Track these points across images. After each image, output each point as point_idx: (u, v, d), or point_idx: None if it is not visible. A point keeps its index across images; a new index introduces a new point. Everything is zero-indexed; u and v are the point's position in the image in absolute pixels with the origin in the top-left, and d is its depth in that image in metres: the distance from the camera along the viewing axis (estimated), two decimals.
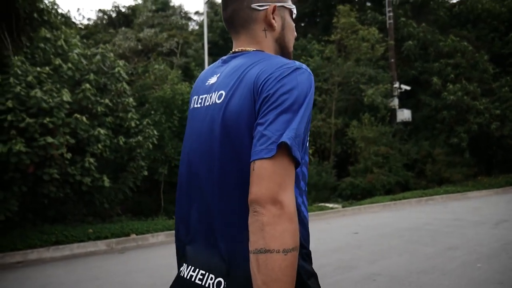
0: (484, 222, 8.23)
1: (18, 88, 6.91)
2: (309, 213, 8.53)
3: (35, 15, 9.43)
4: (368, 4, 21.96)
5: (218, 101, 1.12)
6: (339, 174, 16.13)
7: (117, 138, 8.66)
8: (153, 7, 18.74)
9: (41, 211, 7.77)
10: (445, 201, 13.04)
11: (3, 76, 7.12)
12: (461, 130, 16.45)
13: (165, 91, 10.97)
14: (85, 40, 13.36)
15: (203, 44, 19.58)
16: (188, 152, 1.21)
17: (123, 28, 16.54)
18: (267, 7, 1.22)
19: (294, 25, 1.32)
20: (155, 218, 10.04)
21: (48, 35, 8.76)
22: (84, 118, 7.56)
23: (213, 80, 1.21)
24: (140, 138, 8.94)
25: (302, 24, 24.69)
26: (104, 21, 20.70)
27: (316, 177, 14.72)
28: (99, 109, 8.16)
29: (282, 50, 1.27)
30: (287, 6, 1.27)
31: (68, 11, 21.83)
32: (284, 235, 0.90)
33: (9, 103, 6.73)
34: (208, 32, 19.85)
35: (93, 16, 24.50)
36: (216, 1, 24.64)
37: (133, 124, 9.03)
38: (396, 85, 17.49)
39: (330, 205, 12.29)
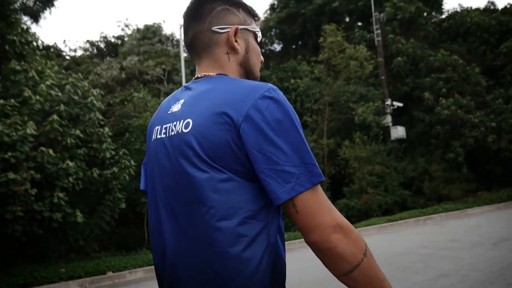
0: (482, 242, 7.71)
1: None
2: (301, 239, 7.98)
3: (7, 47, 9.20)
4: (357, 23, 21.91)
5: (185, 130, 1.04)
6: (334, 196, 15.63)
7: (91, 170, 8.25)
8: (138, 36, 18.62)
9: (6, 252, 7.30)
10: (444, 219, 12.49)
11: None
12: (457, 145, 16.01)
13: (145, 119, 10.63)
14: (66, 71, 13.14)
15: (192, 71, 19.42)
16: (154, 188, 1.13)
17: (107, 58, 16.37)
18: (229, 29, 1.17)
19: (259, 48, 1.26)
20: (140, 252, 9.55)
21: (18, 67, 8.47)
22: (50, 151, 7.17)
23: (176, 108, 1.13)
24: (115, 169, 8.53)
25: (294, 46, 24.65)
26: (92, 52, 20.62)
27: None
28: (69, 140, 7.78)
29: (247, 74, 1.21)
30: (251, 29, 1.22)
31: (55, 43, 21.84)
32: (356, 246, 0.96)
33: None
34: None
35: (81, 47, 24.55)
36: None
37: (108, 155, 8.64)
38: (388, 102, 17.17)
39: None
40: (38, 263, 7.97)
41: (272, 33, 24.50)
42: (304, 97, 17.77)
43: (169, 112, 1.14)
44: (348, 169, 15.34)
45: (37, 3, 23.77)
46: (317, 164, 0.97)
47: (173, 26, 47.70)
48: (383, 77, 17.60)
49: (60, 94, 8.12)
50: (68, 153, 7.95)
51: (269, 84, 1.03)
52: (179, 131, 1.05)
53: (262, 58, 1.28)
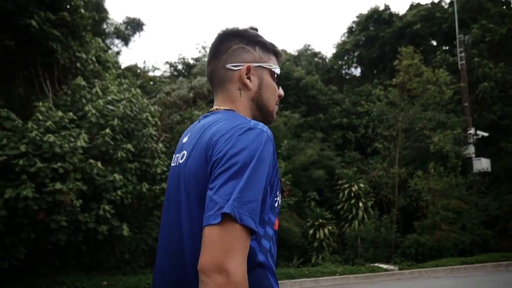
0: None
1: (34, 133, 6.89)
2: (356, 275, 7.34)
3: (78, 64, 9.77)
4: (442, 46, 20.55)
5: (181, 162, 1.20)
6: (405, 230, 14.42)
7: (141, 184, 8.32)
8: None
9: (51, 259, 7.51)
10: None
11: (24, 122, 7.19)
12: None
13: None
14: (140, 90, 13.73)
15: None
16: (164, 213, 1.25)
17: (180, 78, 16.93)
18: (241, 67, 1.27)
19: (275, 84, 1.33)
20: None
21: (83, 83, 8.91)
22: (99, 163, 7.33)
23: (185, 139, 1.27)
24: (164, 185, 8.52)
25: (375, 71, 23.70)
26: (172, 73, 21.54)
27: (374, 233, 13.22)
28: (119, 154, 7.93)
29: (260, 109, 1.29)
30: (266, 66, 1.30)
31: (136, 63, 23.19)
32: None
33: (22, 148, 6.70)
34: None
35: (155, 67, 25.82)
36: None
37: (159, 171, 8.68)
38: (471, 131, 15.63)
39: (385, 267, 10.77)
40: (85, 273, 8.12)
41: (350, 56, 23.88)
42: (377, 122, 16.86)
43: (182, 142, 1.29)
44: (420, 201, 14.08)
45: (128, 27, 25.59)
46: (245, 212, 0.98)
47: None
48: (466, 104, 16.10)
49: (115, 109, 8.34)
50: (119, 167, 8.09)
51: (254, 122, 1.11)
52: (179, 162, 1.21)
53: (281, 92, 1.36)
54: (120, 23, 24.45)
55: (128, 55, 45.78)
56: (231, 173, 1.00)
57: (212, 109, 1.28)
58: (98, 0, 26.38)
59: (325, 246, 13.67)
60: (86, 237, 7.55)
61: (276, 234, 1.20)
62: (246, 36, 1.30)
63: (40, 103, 7.61)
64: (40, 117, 7.34)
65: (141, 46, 51.53)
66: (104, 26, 24.25)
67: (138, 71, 19.70)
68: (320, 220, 13.97)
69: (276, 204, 1.16)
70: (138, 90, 9.65)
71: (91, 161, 7.27)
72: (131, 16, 24.43)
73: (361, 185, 14.61)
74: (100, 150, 7.76)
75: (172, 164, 1.28)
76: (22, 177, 6.63)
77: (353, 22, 23.57)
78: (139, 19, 24.46)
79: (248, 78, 1.27)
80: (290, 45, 64.17)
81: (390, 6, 25.41)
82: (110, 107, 8.34)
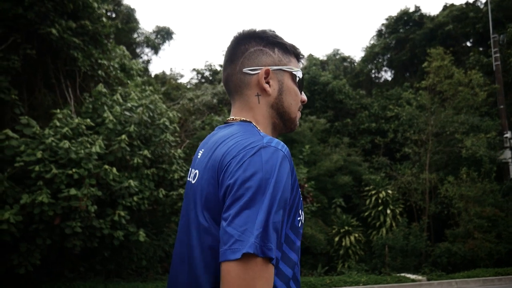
0: None
1: (50, 139, 6.98)
2: (381, 285, 7.02)
3: (100, 72, 9.90)
4: (476, 47, 19.73)
5: (193, 182, 1.15)
6: (436, 239, 13.81)
7: (158, 190, 8.30)
8: None
9: (69, 264, 7.56)
10: None
11: (41, 129, 7.30)
12: None
13: None
14: (164, 97, 13.82)
15: None
16: (179, 228, 1.20)
17: (205, 84, 16.99)
18: (259, 71, 1.18)
19: (296, 88, 1.23)
20: None
21: (104, 90, 9.01)
22: (114, 169, 7.34)
23: (200, 154, 1.20)
24: (181, 191, 8.47)
25: (407, 74, 23.01)
26: (198, 80, 21.69)
27: (402, 241, 12.71)
28: (136, 160, 7.93)
29: (281, 116, 1.21)
30: (286, 69, 1.21)
31: (163, 71, 23.52)
32: None
33: (39, 154, 6.79)
34: None
35: (180, 74, 26.11)
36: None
37: (176, 176, 8.63)
38: (508, 135, 14.89)
39: (412, 277, 10.30)
40: (104, 280, 8.14)
41: (380, 59, 23.33)
42: (407, 126, 16.30)
43: (196, 157, 1.22)
44: (452, 208, 13.45)
45: (158, 36, 26.05)
46: (267, 242, 0.92)
47: None
48: (501, 106, 15.35)
49: (133, 115, 8.37)
50: (135, 173, 8.10)
51: (267, 139, 1.02)
52: (191, 181, 1.16)
53: (304, 97, 1.26)
54: (150, 32, 24.92)
55: (158, 63, 46.62)
56: (245, 201, 0.93)
57: (229, 119, 1.21)
58: (129, 11, 27.06)
59: (351, 254, 13.28)
60: (102, 243, 7.57)
61: (299, 259, 1.12)
62: (264, 37, 1.21)
63: (58, 110, 7.71)
64: (58, 124, 7.43)
65: (171, 54, 52.50)
66: (135, 35, 24.77)
67: (165, 78, 19.94)
68: (346, 227, 13.59)
69: (299, 224, 1.08)
70: (157, 96, 9.66)
71: (106, 167, 7.29)
72: (161, 25, 24.85)
73: (389, 191, 14.13)
74: (116, 156, 7.78)
75: (188, 179, 1.22)
76: (38, 183, 6.71)
77: (382, 24, 23.05)
78: (168, 28, 24.87)
79: (267, 82, 1.17)
80: (318, 49, 63.60)
81: (421, 7, 24.71)
82: (128, 113, 8.37)
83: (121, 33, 24.70)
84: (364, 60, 23.09)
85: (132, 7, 35.71)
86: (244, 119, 1.17)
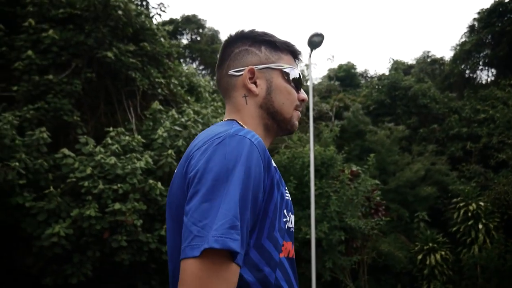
0: None
1: (100, 156, 7.30)
2: None
3: (159, 90, 10.27)
4: None
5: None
6: None
7: None
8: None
9: (115, 279, 7.77)
10: None
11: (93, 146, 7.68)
12: None
13: (283, 154, 10.23)
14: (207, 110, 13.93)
15: (368, 106, 18.30)
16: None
17: None
18: (244, 71, 1.14)
19: (290, 87, 1.17)
20: None
21: (159, 107, 9.27)
22: (159, 184, 7.43)
23: None
24: None
25: (508, 73, 20.56)
26: None
27: (498, 260, 11.11)
28: None
29: (272, 116, 1.15)
30: (275, 67, 1.16)
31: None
32: None
33: (88, 170, 7.12)
34: (375, 90, 18.56)
35: None
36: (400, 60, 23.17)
37: None
38: None
39: None
40: None
41: (474, 58, 21.17)
42: (504, 129, 14.43)
43: None
44: None
45: None
46: (228, 229, 0.85)
47: (340, 60, 46.86)
48: None
49: (182, 130, 8.47)
50: None
51: (235, 130, 0.98)
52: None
53: (303, 95, 1.19)
54: None
55: None
56: (204, 193, 0.88)
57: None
58: (213, 33, 28.22)
59: (437, 274, 11.96)
60: (151, 258, 7.66)
61: (293, 262, 1.05)
62: (251, 36, 1.17)
63: (111, 128, 8.06)
64: (110, 141, 7.76)
65: None
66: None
67: None
68: (431, 244, 12.30)
69: (285, 226, 1.02)
70: (209, 110, 9.69)
71: (151, 181, 7.40)
72: None
73: (481, 203, 12.51)
74: (164, 171, 7.89)
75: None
76: (87, 198, 7.02)
77: (474, 19, 20.97)
78: None
79: (254, 82, 1.14)
80: (407, 53, 60.17)
81: None
82: (178, 128, 8.48)
83: (205, 53, 25.80)
84: (454, 59, 21.15)
85: (216, 28, 37.25)
86: (229, 119, 1.14)
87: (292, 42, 1.21)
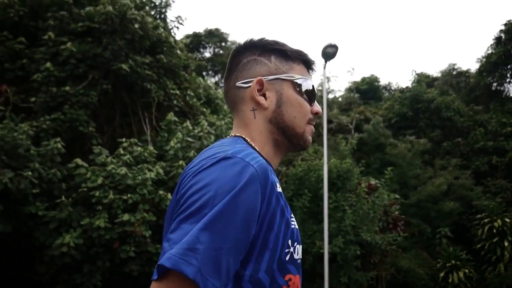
0: None
1: (111, 166, 7.35)
2: None
3: (175, 102, 10.35)
4: None
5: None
6: None
7: None
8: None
9: None
10: None
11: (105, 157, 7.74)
12: None
13: (299, 166, 10.09)
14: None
15: (390, 118, 17.99)
16: None
17: None
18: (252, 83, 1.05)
19: (302, 99, 1.07)
20: None
21: (174, 119, 9.31)
22: (169, 195, 7.40)
23: None
24: None
25: None
26: None
27: None
28: None
29: (282, 131, 1.06)
30: (286, 78, 1.06)
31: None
32: None
33: (99, 180, 7.17)
34: (397, 103, 18.28)
35: None
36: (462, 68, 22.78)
37: None
38: None
39: None
40: None
41: (501, 70, 20.58)
42: None
43: None
44: None
45: None
46: (188, 251, 0.75)
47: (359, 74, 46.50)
48: None
49: (194, 141, 8.46)
50: None
51: (233, 151, 0.89)
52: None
53: (316, 108, 1.10)
54: None
55: None
56: (186, 215, 0.81)
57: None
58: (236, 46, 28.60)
59: None
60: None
61: None
62: (260, 45, 1.09)
63: (124, 139, 8.12)
64: (122, 152, 7.81)
65: None
66: None
67: None
68: (454, 261, 11.86)
69: (287, 258, 0.91)
70: (223, 122, 9.67)
71: (161, 192, 7.39)
72: None
73: (507, 219, 12.02)
74: (175, 182, 7.86)
75: None
76: (98, 208, 7.06)
77: (501, 31, 20.43)
78: None
79: (263, 95, 1.04)
80: (432, 66, 59.07)
81: None
82: (190, 139, 8.48)
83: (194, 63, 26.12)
84: (480, 72, 20.61)
85: (238, 41, 37.60)
86: (235, 134, 1.05)
87: (305, 51, 1.13)
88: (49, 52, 8.96)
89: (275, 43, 1.10)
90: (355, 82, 23.59)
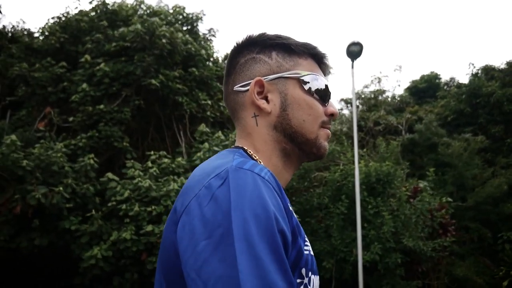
0: None
1: (137, 179, 7.57)
2: None
3: (208, 113, 10.48)
4: None
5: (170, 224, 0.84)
6: None
7: None
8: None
9: None
10: None
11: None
12: None
13: (334, 172, 9.74)
14: None
15: (446, 116, 16.92)
16: None
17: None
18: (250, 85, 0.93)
19: (312, 99, 0.93)
20: None
21: (206, 129, 9.42)
22: None
23: None
24: None
25: None
26: (350, 109, 20.98)
27: None
28: None
29: (291, 138, 0.92)
30: (290, 75, 0.92)
31: None
32: None
33: (126, 193, 7.40)
34: (453, 100, 17.20)
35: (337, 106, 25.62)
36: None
37: None
38: None
39: None
40: None
41: None
42: None
43: None
44: None
45: None
46: None
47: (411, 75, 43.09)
48: None
49: (219, 150, 8.47)
50: None
51: (235, 162, 0.77)
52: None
53: (331, 109, 0.95)
54: None
55: None
56: (215, 247, 0.69)
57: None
58: None
59: None
60: None
61: None
62: (259, 41, 0.96)
63: (152, 152, 8.34)
64: (150, 165, 8.02)
65: None
66: None
67: None
68: None
69: (303, 262, 0.80)
70: None
71: None
72: None
73: None
74: None
75: None
76: (125, 220, 7.28)
77: None
78: None
79: (265, 98, 0.92)
80: (499, 58, 54.44)
81: None
82: (217, 148, 8.52)
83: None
84: None
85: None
86: (236, 145, 0.93)
87: (314, 44, 0.97)
88: (86, 73, 9.49)
89: (277, 37, 0.95)
90: (413, 81, 22.52)
